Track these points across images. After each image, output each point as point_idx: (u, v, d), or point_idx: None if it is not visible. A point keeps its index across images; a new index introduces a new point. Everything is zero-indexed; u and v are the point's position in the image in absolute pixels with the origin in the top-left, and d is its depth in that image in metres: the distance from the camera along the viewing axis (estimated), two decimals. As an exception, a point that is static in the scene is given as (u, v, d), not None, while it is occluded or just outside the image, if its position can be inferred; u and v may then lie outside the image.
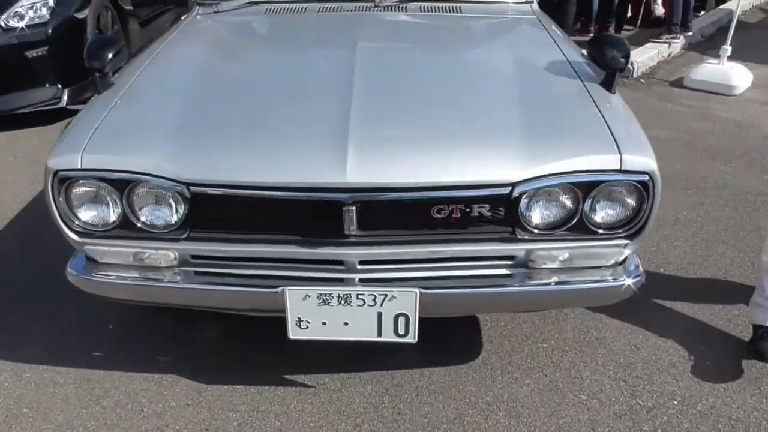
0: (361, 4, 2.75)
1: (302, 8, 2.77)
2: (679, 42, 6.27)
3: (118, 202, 1.76)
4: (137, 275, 1.85)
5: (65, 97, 4.33)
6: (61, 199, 1.76)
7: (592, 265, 1.85)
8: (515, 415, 2.02)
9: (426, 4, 2.75)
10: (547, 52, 2.34)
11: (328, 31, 2.61)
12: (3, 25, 4.07)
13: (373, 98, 1.92)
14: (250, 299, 1.84)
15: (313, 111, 1.88)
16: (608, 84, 2.03)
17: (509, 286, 1.82)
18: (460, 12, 2.74)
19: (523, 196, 1.71)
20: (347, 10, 2.74)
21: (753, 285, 2.32)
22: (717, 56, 5.29)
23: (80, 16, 4.45)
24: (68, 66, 4.33)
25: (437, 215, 1.72)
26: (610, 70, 2.03)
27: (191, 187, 1.70)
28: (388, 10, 2.73)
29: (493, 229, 1.77)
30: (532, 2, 2.88)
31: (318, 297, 1.77)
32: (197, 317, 2.37)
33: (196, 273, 1.87)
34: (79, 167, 1.71)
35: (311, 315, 1.80)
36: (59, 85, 4.32)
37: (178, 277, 1.85)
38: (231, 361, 2.23)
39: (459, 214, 1.72)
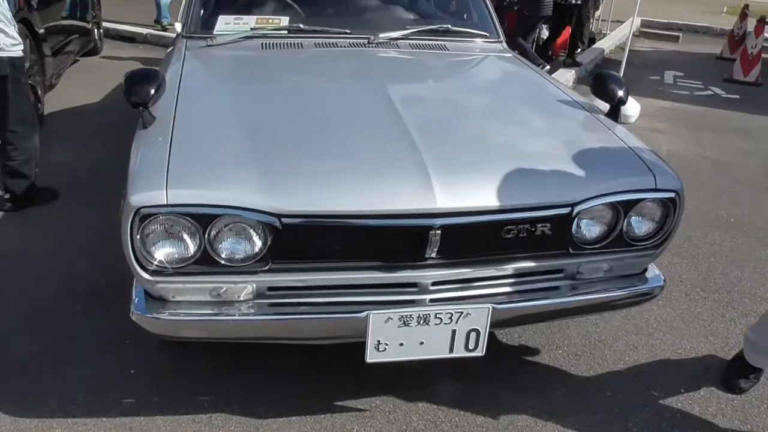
0: (355, 40, 2.89)
1: (298, 43, 2.85)
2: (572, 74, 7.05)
3: (199, 238, 1.74)
4: (212, 311, 1.83)
5: None
6: (138, 237, 1.71)
7: (627, 273, 2.11)
8: (558, 416, 2.21)
9: (414, 41, 2.95)
10: (545, 87, 2.62)
11: (339, 65, 2.71)
12: None
13: (425, 126, 2.07)
14: (333, 327, 1.88)
15: (377, 140, 1.99)
16: (614, 115, 2.33)
17: (564, 296, 2.02)
18: (446, 49, 2.96)
19: (578, 215, 1.93)
20: (342, 46, 2.86)
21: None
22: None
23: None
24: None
25: (506, 235, 1.89)
26: (614, 103, 2.33)
27: (283, 219, 1.73)
28: (380, 47, 2.89)
29: (550, 246, 1.96)
30: (502, 42, 3.18)
31: (399, 319, 1.85)
32: (230, 353, 2.34)
33: (271, 305, 1.88)
34: (165, 203, 1.68)
35: (390, 337, 1.88)
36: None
37: (255, 310, 1.85)
38: (277, 393, 2.21)
39: (524, 234, 1.90)
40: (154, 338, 2.35)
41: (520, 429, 2.14)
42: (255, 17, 2.98)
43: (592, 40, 8.94)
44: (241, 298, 1.84)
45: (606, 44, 9.06)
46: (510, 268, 1.96)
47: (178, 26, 2.97)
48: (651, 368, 2.48)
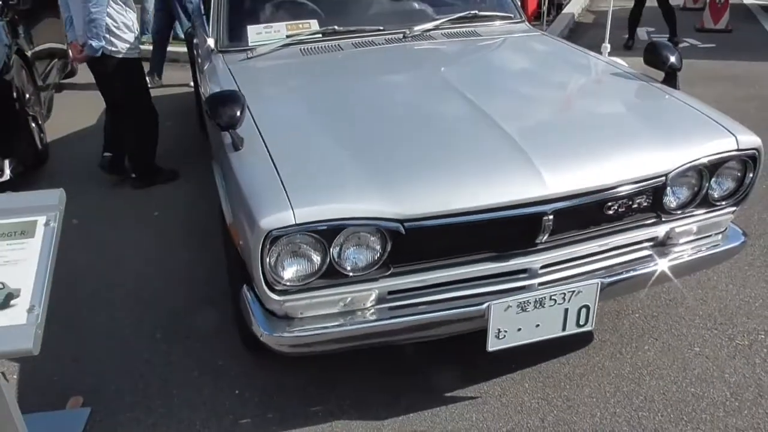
0: (391, 36, 2.90)
1: (336, 45, 2.85)
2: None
3: (324, 252, 1.76)
4: (340, 322, 1.85)
5: (7, 170, 3.88)
6: (268, 259, 1.72)
7: (712, 233, 2.20)
8: (657, 376, 2.30)
9: (447, 30, 2.98)
10: (594, 62, 2.69)
11: (391, 62, 2.72)
12: (-72, 98, 3.57)
13: (508, 115, 2.11)
14: (455, 321, 1.92)
15: (469, 133, 2.04)
16: (672, 83, 2.41)
17: (661, 262, 2.10)
18: (478, 35, 3.00)
19: (670, 183, 2.00)
20: (379, 43, 2.87)
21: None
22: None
23: (8, 78, 4.03)
24: (5, 135, 3.90)
25: (608, 212, 1.96)
26: (670, 71, 2.41)
27: (406, 223, 1.76)
28: (417, 40, 2.91)
29: (644, 216, 2.04)
30: (524, 21, 3.23)
31: (518, 305, 1.91)
32: (327, 361, 2.36)
33: (392, 308, 1.91)
34: (294, 223, 1.69)
35: (509, 324, 1.93)
36: (-1, 157, 3.87)
37: (379, 315, 1.88)
38: (388, 393, 2.25)
39: (623, 207, 1.97)
40: (246, 356, 2.42)
41: (626, 394, 2.23)
42: (284, 24, 2.96)
43: (560, 6, 9.06)
44: (366, 306, 1.87)
45: (574, 8, 9.18)
46: (610, 242, 2.03)
47: (211, 42, 2.92)
48: (726, 319, 2.59)
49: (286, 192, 1.75)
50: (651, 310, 2.66)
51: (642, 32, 8.15)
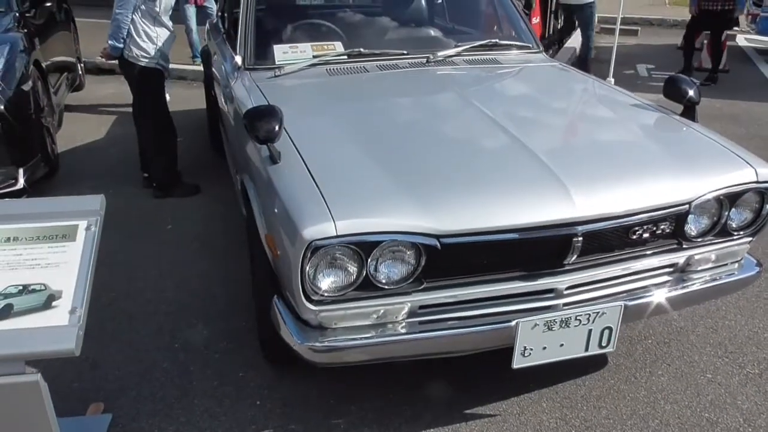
0: (414, 60, 2.99)
1: (361, 67, 2.93)
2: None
3: (361, 264, 1.80)
4: (372, 334, 1.88)
5: (21, 179, 3.90)
6: (308, 269, 1.76)
7: (729, 262, 2.27)
8: (672, 400, 2.34)
9: (468, 57, 3.07)
10: (613, 92, 2.78)
11: (416, 84, 2.80)
12: (-51, 105, 3.60)
13: (536, 138, 2.19)
14: (483, 338, 1.96)
15: (499, 154, 2.11)
16: (691, 116, 2.50)
17: (680, 288, 2.16)
18: (498, 62, 3.09)
19: (692, 211, 2.07)
20: (403, 67, 2.95)
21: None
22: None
23: (26, 88, 4.08)
24: (21, 144, 3.93)
25: (632, 236, 2.02)
26: (689, 104, 2.50)
27: (442, 239, 1.81)
28: (440, 65, 3.00)
29: (665, 242, 2.11)
30: (542, 51, 3.33)
31: (544, 324, 1.96)
32: (348, 374, 2.38)
33: (422, 322, 1.95)
34: (335, 235, 1.74)
35: (535, 342, 1.98)
36: (13, 166, 3.88)
37: (411, 330, 1.92)
38: (410, 408, 2.27)
39: (648, 233, 2.04)
40: (267, 368, 2.44)
41: (642, 417, 2.26)
42: (309, 44, 3.04)
43: (560, 41, 9.27)
44: (398, 319, 1.91)
45: (575, 43, 9.40)
46: (632, 266, 2.08)
47: (238, 59, 2.99)
48: (736, 348, 2.64)
49: (327, 204, 1.80)
50: (663, 336, 2.72)
51: (642, 68, 8.37)
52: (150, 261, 3.28)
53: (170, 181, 4.09)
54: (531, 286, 1.98)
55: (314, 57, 2.94)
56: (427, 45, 3.12)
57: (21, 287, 1.72)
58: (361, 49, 2.96)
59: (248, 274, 2.94)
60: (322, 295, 1.81)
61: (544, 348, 2.00)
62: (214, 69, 4.03)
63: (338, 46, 3.04)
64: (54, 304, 1.71)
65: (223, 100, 3.33)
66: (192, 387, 2.39)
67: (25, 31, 4.52)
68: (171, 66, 4.17)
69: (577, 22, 7.75)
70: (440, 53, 3.00)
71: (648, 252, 2.09)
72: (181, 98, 6.18)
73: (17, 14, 4.63)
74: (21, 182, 3.89)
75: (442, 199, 1.87)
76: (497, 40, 3.19)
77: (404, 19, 3.51)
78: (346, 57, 2.96)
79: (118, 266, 3.21)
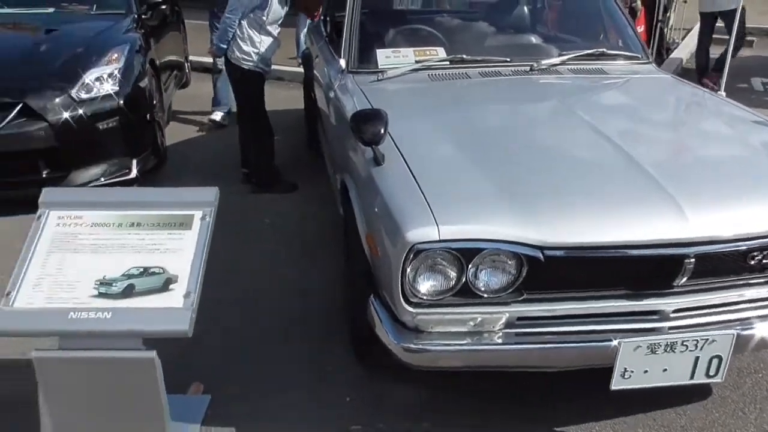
0: (517, 68, 2.96)
1: (463, 73, 2.93)
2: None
3: (461, 270, 1.80)
4: (469, 341, 1.88)
5: (135, 169, 4.16)
6: (409, 271, 1.78)
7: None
8: (786, 439, 2.20)
9: (573, 66, 3.00)
10: (728, 107, 2.65)
11: (520, 93, 2.78)
12: (75, 98, 3.89)
13: (646, 152, 2.11)
14: (581, 355, 1.92)
15: (609, 169, 2.05)
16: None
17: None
18: (605, 73, 3.00)
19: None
20: (505, 74, 2.93)
21: None
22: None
23: (142, 84, 4.36)
24: (135, 136, 4.20)
25: (750, 261, 1.91)
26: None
27: (546, 251, 1.78)
28: (543, 73, 2.95)
29: (783, 270, 1.98)
30: (652, 62, 3.21)
31: (647, 347, 1.88)
32: (437, 379, 2.38)
33: (519, 334, 1.92)
34: (438, 239, 1.75)
35: (636, 365, 1.90)
36: (128, 157, 4.15)
37: (508, 340, 1.90)
38: (489, 419, 2.25)
39: (766, 259, 1.92)
40: (356, 366, 2.49)
41: (748, 453, 2.14)
42: (412, 50, 3.07)
43: (668, 50, 8.88)
44: (495, 329, 1.90)
45: (682, 53, 8.98)
46: (748, 293, 1.97)
47: (342, 62, 3.07)
48: None
49: (430, 208, 1.82)
50: (773, 370, 2.55)
51: (757, 82, 7.88)
52: (247, 253, 3.42)
53: (268, 178, 4.24)
54: (635, 306, 1.91)
55: (416, 62, 2.97)
56: (531, 53, 3.09)
57: (142, 269, 1.85)
58: (464, 56, 2.97)
59: (342, 272, 3.01)
60: (421, 298, 1.83)
61: (646, 371, 1.92)
62: (315, 71, 4.15)
63: (440, 52, 3.05)
64: (171, 287, 1.82)
65: (324, 101, 3.42)
66: (285, 378, 2.47)
67: (142, 32, 4.83)
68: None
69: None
70: (544, 62, 2.96)
71: (766, 280, 1.97)
72: (279, 98, 6.38)
73: (135, 16, 4.95)
74: (134, 172, 4.15)
75: (548, 209, 1.85)
76: (604, 50, 3.11)
77: (507, 25, 3.49)
78: (448, 63, 2.98)
79: (217, 256, 3.34)
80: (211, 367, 2.51)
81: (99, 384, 1.83)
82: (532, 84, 2.84)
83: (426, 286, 1.82)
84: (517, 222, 1.80)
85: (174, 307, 1.78)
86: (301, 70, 7.15)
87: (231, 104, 5.04)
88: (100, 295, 1.80)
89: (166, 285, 1.82)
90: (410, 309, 1.84)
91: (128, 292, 1.80)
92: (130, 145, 4.14)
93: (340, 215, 2.88)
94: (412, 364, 1.92)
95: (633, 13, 6.69)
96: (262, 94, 4.19)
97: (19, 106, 3.69)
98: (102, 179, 3.97)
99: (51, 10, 4.89)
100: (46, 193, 2.00)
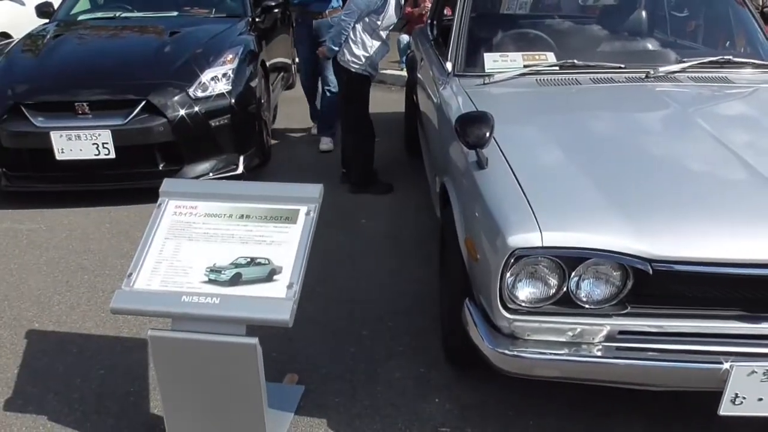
0: (631, 74, 2.84)
1: (573, 79, 2.85)
2: None
3: (562, 279, 1.76)
4: (567, 351, 1.83)
5: (241, 165, 4.37)
6: (508, 277, 1.76)
7: None
8: None
9: (693, 74, 2.84)
10: None
11: (633, 100, 2.67)
12: (192, 96, 4.14)
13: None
14: (687, 376, 1.81)
15: (728, 182, 1.93)
16: None
17: None
18: (729, 82, 2.82)
19: None
20: (619, 81, 2.82)
21: None
22: None
23: (253, 85, 4.57)
24: (244, 134, 4.41)
25: None
26: None
27: (654, 264, 1.70)
28: (659, 81, 2.81)
29: None
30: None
31: (764, 373, 1.75)
32: (531, 386, 2.33)
33: (619, 348, 1.85)
34: (540, 245, 1.72)
35: (749, 391, 1.77)
36: (236, 153, 4.37)
37: (608, 354, 1.83)
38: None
39: None
40: (447, 368, 2.48)
41: None
42: (520, 54, 3.03)
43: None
44: (594, 341, 1.83)
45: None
46: None
47: (449, 65, 3.07)
48: None
49: (533, 213, 1.78)
50: None
51: None
52: (344, 251, 3.50)
53: (365, 179, 4.32)
54: (752, 329, 1.78)
55: (524, 66, 2.92)
56: (647, 59, 2.96)
57: (249, 259, 1.94)
58: (575, 61, 2.89)
59: (436, 273, 3.02)
60: (519, 305, 1.80)
61: (760, 399, 1.78)
62: (419, 74, 4.18)
63: (550, 57, 2.99)
64: (275, 278, 1.89)
65: (428, 104, 3.44)
66: (376, 374, 2.51)
67: (255, 34, 5.06)
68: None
69: None
70: (662, 68, 2.82)
71: None
72: (380, 101, 6.48)
73: (250, 19, 5.20)
74: (240, 168, 4.36)
75: (659, 220, 1.76)
76: (730, 57, 2.91)
77: (621, 30, 3.36)
78: (557, 68, 2.91)
79: (315, 252, 3.44)
80: (304, 359, 2.59)
81: (204, 365, 1.93)
82: (647, 92, 2.72)
83: (525, 292, 1.79)
84: (625, 232, 1.73)
85: (277, 297, 1.85)
86: (401, 73, 7.28)
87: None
88: (210, 281, 1.90)
89: (270, 275, 1.90)
90: (507, 315, 1.81)
91: (235, 280, 1.90)
92: (238, 143, 4.36)
93: (438, 217, 2.89)
94: (506, 371, 1.89)
95: (766, 17, 6.22)
96: (368, 97, 4.27)
97: (143, 102, 3.99)
98: (210, 174, 4.20)
99: (175, 13, 5.25)
100: (167, 184, 2.15)
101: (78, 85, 4.08)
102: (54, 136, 3.87)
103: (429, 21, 4.66)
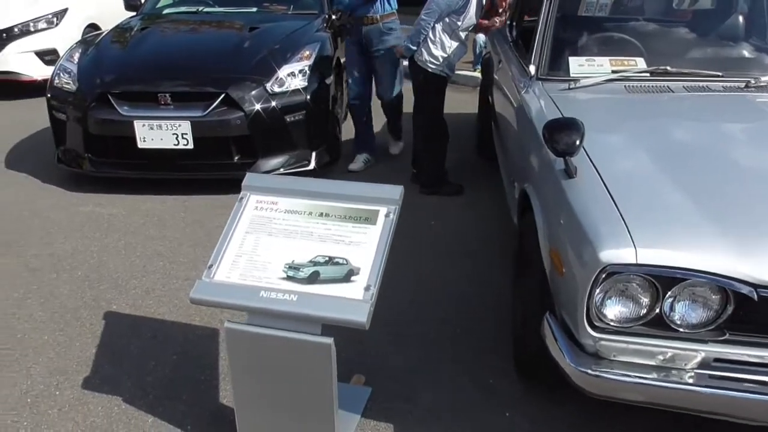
0: (730, 83, 2.67)
1: (665, 86, 2.71)
2: None
3: (655, 299, 1.66)
4: (655, 376, 1.73)
5: (313, 161, 4.40)
6: (597, 294, 1.67)
7: None
8: None
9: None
10: None
11: (728, 111, 2.53)
12: (269, 91, 4.20)
13: None
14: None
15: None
16: None
17: None
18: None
19: None
20: (715, 90, 2.66)
21: None
22: None
23: (327, 81, 4.59)
24: (317, 130, 4.44)
25: None
26: None
27: (761, 290, 1.59)
28: (761, 91, 2.64)
29: None
30: None
31: None
32: (603, 404, 2.23)
33: (713, 377, 1.73)
34: (634, 262, 1.63)
35: None
36: (308, 149, 4.40)
37: (699, 381, 1.72)
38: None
39: None
40: (516, 380, 2.40)
41: None
42: (607, 59, 2.91)
43: None
44: (687, 367, 1.73)
45: None
46: None
47: (532, 68, 2.98)
48: None
49: (627, 228, 1.69)
50: None
51: None
52: (412, 252, 3.46)
53: (436, 180, 4.26)
54: None
55: (612, 72, 2.80)
56: (746, 67, 2.81)
57: (327, 258, 1.92)
58: (668, 67, 2.75)
59: (507, 280, 2.94)
60: (607, 324, 1.71)
61: None
62: (496, 76, 4.10)
63: (639, 62, 2.86)
64: (352, 278, 1.87)
65: (507, 107, 3.36)
66: (442, 382, 2.46)
67: (331, 31, 5.08)
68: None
69: None
70: (764, 78, 2.65)
71: None
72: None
73: (326, 16, 5.23)
74: (312, 164, 4.39)
75: (766, 243, 1.64)
76: None
77: (717, 36, 3.19)
78: (648, 74, 2.77)
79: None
80: (372, 361, 2.57)
81: (278, 361, 1.94)
82: (747, 102, 2.56)
83: (614, 311, 1.70)
84: (728, 252, 1.62)
85: (354, 298, 1.83)
86: (473, 74, 7.18)
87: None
88: (288, 278, 1.90)
89: (348, 276, 1.88)
90: (593, 333, 1.73)
91: (313, 278, 1.89)
92: (311, 139, 4.39)
93: (514, 224, 2.80)
94: (588, 391, 1.80)
95: None
96: (443, 98, 4.21)
97: (222, 96, 4.07)
98: (282, 169, 4.25)
99: (254, 9, 5.35)
100: (249, 178, 2.16)
101: (161, 77, 4.21)
102: (137, 125, 4.00)
103: (508, 22, 4.55)
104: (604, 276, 1.65)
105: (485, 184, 4.32)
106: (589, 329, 1.72)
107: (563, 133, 2.00)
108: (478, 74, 6.36)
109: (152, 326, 2.82)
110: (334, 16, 5.35)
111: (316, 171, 4.35)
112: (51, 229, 3.74)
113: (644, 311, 1.68)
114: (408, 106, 4.44)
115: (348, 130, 5.58)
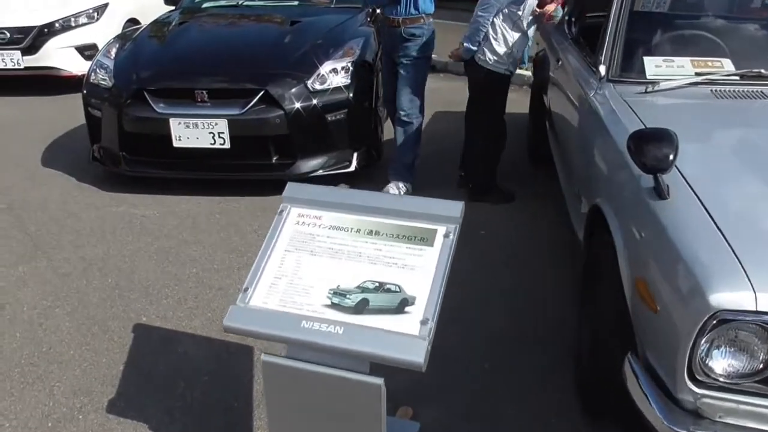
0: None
1: (758, 92, 2.39)
2: None
3: (777, 352, 1.38)
4: (768, 444, 1.45)
5: (354, 162, 4.17)
6: (702, 343, 1.40)
7: None
8: None
9: None
10: None
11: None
12: (310, 88, 3.98)
13: None
14: None
15: None
16: None
17: None
18: None
19: None
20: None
21: None
22: None
23: (371, 79, 4.36)
24: (358, 130, 4.20)
25: None
26: None
27: None
28: None
29: None
30: None
31: None
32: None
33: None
34: (754, 309, 1.35)
35: None
36: (350, 149, 4.17)
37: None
38: None
39: None
40: (576, 411, 2.14)
41: None
42: (688, 59, 2.60)
43: None
44: (809, 433, 1.44)
45: None
46: None
47: (602, 69, 2.69)
48: None
49: (742, 266, 1.41)
50: None
51: None
52: (461, 265, 3.17)
53: (486, 185, 3.98)
54: None
55: (696, 74, 2.50)
56: None
57: (377, 284, 1.69)
58: (762, 71, 2.43)
59: (561, 301, 2.68)
60: (714, 379, 1.44)
61: None
62: (553, 75, 3.80)
63: (727, 64, 2.55)
64: (407, 309, 1.63)
65: (569, 110, 3.07)
66: (498, 412, 2.22)
67: (376, 26, 4.84)
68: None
69: None
70: None
71: None
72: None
73: (370, 10, 4.99)
74: (353, 165, 4.16)
75: None
76: None
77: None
78: (738, 78, 2.46)
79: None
80: (419, 389, 2.33)
81: (320, 399, 1.71)
82: None
83: (723, 364, 1.43)
84: None
85: (409, 333, 1.58)
86: (522, 72, 6.83)
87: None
88: (333, 305, 1.67)
89: (401, 306, 1.64)
90: (694, 389, 1.45)
91: (361, 307, 1.65)
92: (352, 139, 4.15)
93: (580, 242, 2.53)
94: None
95: None
96: (505, 98, 3.90)
97: (261, 93, 3.87)
98: (321, 171, 4.02)
99: (296, 2, 5.14)
100: (290, 188, 1.93)
101: (198, 73, 4.03)
102: (173, 123, 3.83)
103: (567, 18, 4.24)
104: (714, 323, 1.37)
105: (538, 192, 4.04)
106: (690, 384, 1.45)
107: (653, 146, 1.72)
108: (525, 72, 6.03)
109: (184, 341, 2.63)
110: (378, 11, 5.11)
111: (357, 172, 4.12)
112: (83, 230, 3.60)
113: (760, 366, 1.40)
114: (451, 104, 4.16)
115: (389, 129, 5.35)
